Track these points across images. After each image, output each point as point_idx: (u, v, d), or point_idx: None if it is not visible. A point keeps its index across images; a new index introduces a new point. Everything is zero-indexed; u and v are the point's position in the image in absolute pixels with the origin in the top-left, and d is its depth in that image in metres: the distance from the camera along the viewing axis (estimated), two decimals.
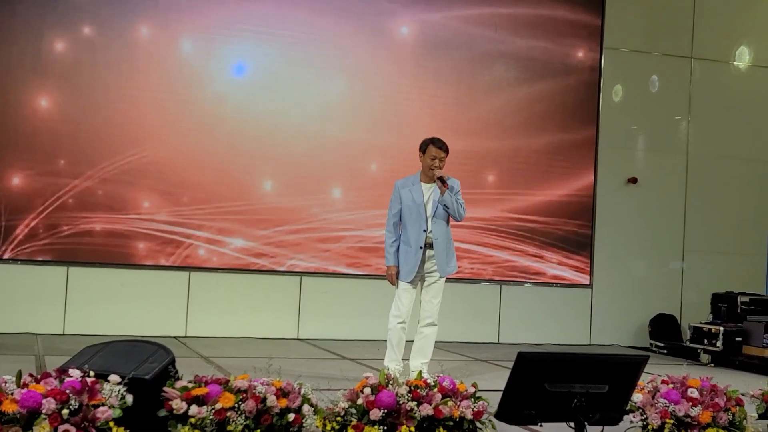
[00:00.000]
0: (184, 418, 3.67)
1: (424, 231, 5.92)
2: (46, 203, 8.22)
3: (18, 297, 8.15)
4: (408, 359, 6.06)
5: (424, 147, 5.98)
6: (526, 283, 9.78)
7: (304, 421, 3.84)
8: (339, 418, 3.94)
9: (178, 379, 3.86)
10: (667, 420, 4.27)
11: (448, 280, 6.09)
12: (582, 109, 10.02)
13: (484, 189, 9.51)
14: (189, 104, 8.70)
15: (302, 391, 3.91)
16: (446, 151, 5.92)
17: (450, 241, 6.05)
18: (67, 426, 3.40)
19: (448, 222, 6.02)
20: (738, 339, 8.69)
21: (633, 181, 10.22)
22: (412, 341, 6.06)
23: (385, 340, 6.04)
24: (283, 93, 9.00)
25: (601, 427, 3.61)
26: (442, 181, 5.81)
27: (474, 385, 4.21)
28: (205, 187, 8.71)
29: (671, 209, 10.37)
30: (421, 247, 5.91)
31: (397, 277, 6.00)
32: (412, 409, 3.94)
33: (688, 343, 9.27)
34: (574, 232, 9.93)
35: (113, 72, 8.46)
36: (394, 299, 6.01)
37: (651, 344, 9.79)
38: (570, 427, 3.58)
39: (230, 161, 8.81)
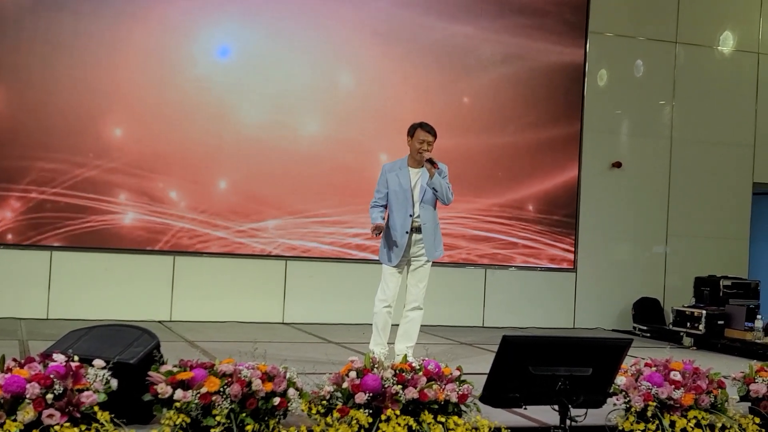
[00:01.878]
0: (169, 402, 3.66)
1: (411, 216, 5.92)
2: (29, 188, 8.16)
3: (1, 281, 8.09)
4: (393, 343, 6.07)
5: (411, 131, 5.97)
6: (511, 267, 9.81)
7: (289, 404, 3.85)
8: (324, 402, 3.95)
9: (163, 363, 3.86)
10: (650, 402, 4.30)
11: (433, 264, 6.10)
12: (567, 93, 10.03)
13: (467, 172, 9.49)
14: (171, 89, 8.64)
15: (287, 375, 3.91)
16: (434, 135, 5.92)
17: (437, 225, 6.06)
18: (51, 411, 3.39)
19: (435, 206, 6.02)
20: (720, 322, 8.76)
21: (617, 165, 10.25)
22: (398, 325, 6.08)
23: (371, 324, 6.05)
24: (270, 76, 8.95)
25: (584, 410, 3.63)
26: (431, 162, 5.80)
27: (459, 368, 4.23)
28: (189, 172, 8.67)
29: (655, 194, 10.42)
30: (407, 232, 5.91)
31: (383, 262, 6.01)
32: (397, 393, 3.95)
33: (670, 326, 9.34)
34: (558, 216, 9.96)
35: (90, 54, 8.38)
36: (380, 283, 6.02)
37: (634, 328, 9.85)
38: (554, 409, 3.60)
39: (214, 146, 8.76)
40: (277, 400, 3.79)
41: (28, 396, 3.38)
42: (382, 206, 6.04)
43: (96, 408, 3.48)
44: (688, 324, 8.98)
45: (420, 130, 5.91)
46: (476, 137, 9.61)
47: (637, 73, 10.40)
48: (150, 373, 3.73)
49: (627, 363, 4.31)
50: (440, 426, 3.95)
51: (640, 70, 10.40)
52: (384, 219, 6.02)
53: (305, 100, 9.06)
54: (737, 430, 4.47)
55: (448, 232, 9.15)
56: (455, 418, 4.02)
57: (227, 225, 8.77)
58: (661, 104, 10.49)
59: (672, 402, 4.36)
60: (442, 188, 5.87)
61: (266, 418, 3.77)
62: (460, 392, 4.06)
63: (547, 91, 9.94)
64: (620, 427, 4.30)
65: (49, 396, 3.40)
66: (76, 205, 8.29)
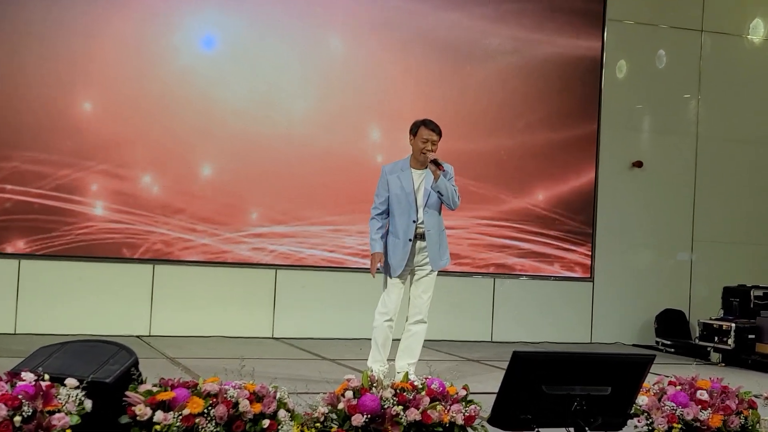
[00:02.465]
0: (148, 425, 3.66)
1: (414, 222, 5.91)
2: None
3: None
4: (393, 360, 6.07)
5: (414, 129, 5.95)
6: (522, 276, 9.81)
7: (279, 427, 3.84)
8: (318, 425, 3.94)
9: (142, 382, 3.85)
10: (675, 424, 4.30)
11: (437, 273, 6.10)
12: (582, 87, 10.04)
13: (474, 172, 9.50)
14: (151, 82, 8.65)
15: (278, 395, 3.90)
16: (439, 133, 5.91)
17: (443, 232, 6.06)
18: None
19: (440, 211, 6.02)
20: (751, 336, 8.74)
21: (638, 165, 10.26)
22: (398, 340, 6.08)
23: (369, 339, 6.05)
24: (259, 69, 8.96)
25: None
26: (436, 164, 5.79)
27: (465, 387, 4.22)
28: (171, 173, 8.68)
29: (679, 196, 10.43)
30: (410, 239, 5.90)
31: (384, 272, 5.99)
32: (397, 414, 3.94)
33: (697, 340, 9.33)
34: (573, 221, 9.97)
35: (62, 44, 8.39)
36: (381, 295, 6.01)
37: (657, 342, 9.85)
38: None
39: (198, 144, 8.77)
40: (266, 423, 3.79)
41: None
42: (383, 219, 5.99)
43: (68, 431, 3.48)
44: (716, 338, 8.97)
45: (423, 128, 5.90)
46: (483, 135, 9.62)
47: (659, 65, 10.41)
48: (127, 393, 3.73)
49: (649, 381, 4.31)
50: None
51: (663, 61, 10.42)
52: (383, 243, 5.97)
53: (296, 95, 9.07)
54: None
55: (454, 239, 9.15)
56: None
57: (212, 230, 8.77)
58: (686, 98, 10.50)
59: (698, 424, 4.36)
60: (447, 192, 5.86)
61: None
62: (467, 414, 4.06)
63: (561, 84, 9.95)
64: None
65: (17, 419, 3.40)
66: (46, 208, 8.29)
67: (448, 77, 9.53)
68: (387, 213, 6.00)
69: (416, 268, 6.00)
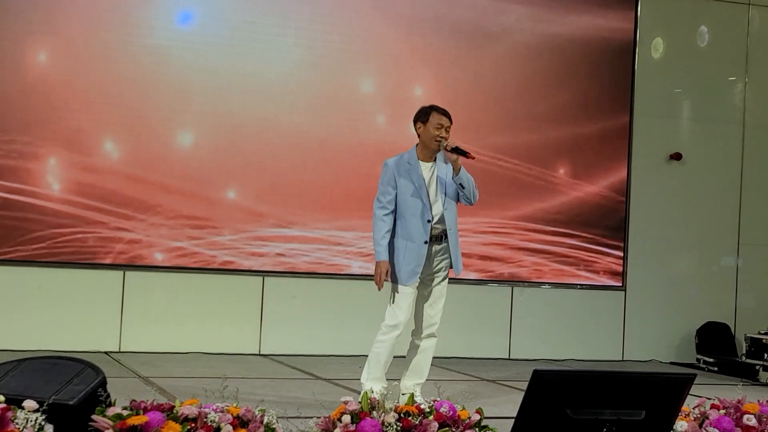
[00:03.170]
0: None
1: (429, 221, 5.90)
2: None
3: None
4: (392, 380, 6.04)
5: (424, 116, 5.92)
6: (544, 284, 9.82)
7: None
8: None
9: (111, 404, 3.86)
10: None
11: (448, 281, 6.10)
12: (612, 70, 10.04)
13: (492, 167, 9.52)
14: (121, 63, 8.65)
15: (265, 420, 3.91)
16: (450, 119, 5.93)
17: (457, 231, 6.06)
18: None
19: (456, 207, 6.02)
20: None
21: (676, 157, 10.26)
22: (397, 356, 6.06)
23: (366, 356, 6.02)
24: (240, 47, 8.96)
25: None
26: (459, 152, 5.77)
27: (479, 411, 4.23)
28: (143, 168, 8.68)
29: (723, 192, 10.43)
30: (425, 242, 5.88)
31: (393, 280, 5.97)
32: None
33: (743, 358, 9.33)
34: (602, 221, 9.97)
35: (21, 20, 8.38)
36: (389, 306, 5.95)
37: (698, 360, 9.86)
38: None
39: (174, 135, 8.78)
40: None
41: None
42: (392, 220, 5.94)
43: None
44: (766, 355, 8.97)
45: (435, 113, 5.89)
46: (500, 126, 9.62)
47: (701, 43, 10.41)
48: (94, 416, 3.73)
49: (689, 404, 4.31)
50: None
51: (705, 39, 10.42)
52: (390, 251, 5.94)
53: (287, 80, 9.07)
54: None
55: (465, 244, 9.16)
56: None
57: (191, 233, 8.78)
58: (731, 81, 10.50)
59: None
60: (470, 184, 5.88)
61: None
62: None
63: (589, 67, 9.95)
64: None
65: None
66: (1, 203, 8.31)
67: (462, 58, 9.53)
68: (394, 213, 6.00)
69: (431, 274, 5.99)
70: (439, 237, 5.93)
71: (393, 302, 5.95)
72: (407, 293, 5.93)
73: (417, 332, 6.04)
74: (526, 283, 9.76)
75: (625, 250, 10.07)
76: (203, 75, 8.87)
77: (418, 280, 5.95)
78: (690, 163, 10.32)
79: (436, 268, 5.99)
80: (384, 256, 5.89)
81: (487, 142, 9.47)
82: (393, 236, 5.96)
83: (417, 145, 5.99)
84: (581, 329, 9.91)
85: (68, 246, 8.48)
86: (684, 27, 10.37)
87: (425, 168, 5.95)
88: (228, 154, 8.90)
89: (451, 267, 6.04)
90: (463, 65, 9.55)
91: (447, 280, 6.05)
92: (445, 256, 5.98)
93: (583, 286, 9.95)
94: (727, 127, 10.47)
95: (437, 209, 5.91)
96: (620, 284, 10.08)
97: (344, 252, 9.14)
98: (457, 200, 6.01)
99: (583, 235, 9.90)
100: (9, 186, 8.31)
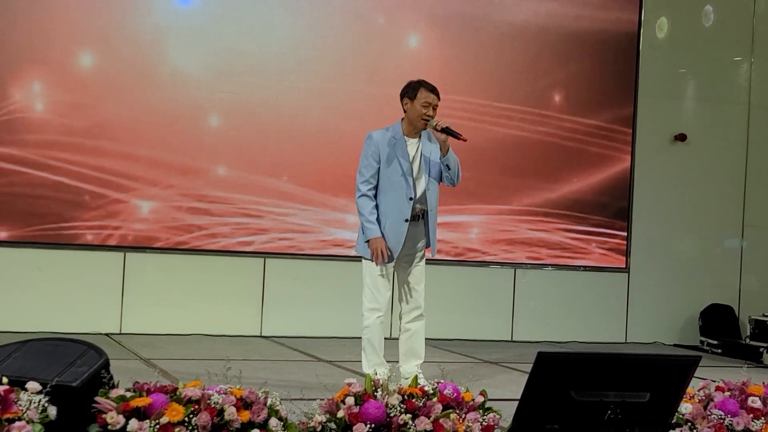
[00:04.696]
0: None
1: (411, 199, 5.85)
2: None
3: None
4: (390, 361, 6.05)
5: (411, 92, 5.85)
6: (547, 266, 9.83)
7: None
8: None
9: (114, 386, 3.87)
10: None
11: (446, 262, 6.10)
12: (616, 50, 10.01)
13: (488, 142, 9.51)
14: (117, 42, 8.63)
15: (268, 402, 3.92)
16: (438, 96, 5.87)
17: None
18: None
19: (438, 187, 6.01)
20: None
21: (681, 138, 10.25)
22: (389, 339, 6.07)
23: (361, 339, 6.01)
24: (242, 27, 8.94)
25: None
26: (449, 132, 5.73)
27: (483, 393, 4.24)
28: (142, 147, 8.66)
29: (728, 173, 10.42)
30: (406, 220, 5.84)
31: (368, 258, 5.90)
32: (406, 423, 3.96)
33: (747, 340, 9.35)
34: (606, 203, 9.96)
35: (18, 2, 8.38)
36: (365, 288, 5.91)
37: (702, 342, 9.87)
38: None
39: (173, 114, 8.76)
40: None
41: None
42: (373, 194, 5.86)
43: None
44: None
45: (423, 89, 5.81)
46: (509, 96, 9.60)
47: (706, 23, 10.38)
48: (97, 398, 3.75)
49: (693, 386, 4.32)
50: None
51: (710, 19, 10.38)
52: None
53: (288, 60, 9.04)
54: None
55: (468, 225, 9.17)
56: None
57: (192, 214, 8.78)
58: (737, 61, 10.47)
59: None
60: (456, 165, 5.86)
61: None
62: (485, 423, 4.07)
63: (593, 48, 9.92)
64: None
65: None
66: None
67: (464, 40, 9.50)
68: (376, 188, 5.90)
69: (410, 254, 5.96)
70: (418, 216, 5.90)
71: (370, 283, 5.89)
72: (384, 274, 5.88)
73: (404, 316, 6.02)
74: (528, 265, 9.76)
75: (628, 231, 10.07)
76: (203, 55, 8.83)
77: (394, 260, 5.93)
78: (695, 144, 10.31)
79: (414, 248, 5.96)
80: (377, 232, 5.80)
81: (487, 127, 9.46)
82: None
83: (402, 119, 5.92)
84: (584, 311, 9.92)
85: (68, 228, 8.48)
86: (689, 7, 10.33)
87: (411, 144, 5.88)
88: (230, 133, 8.89)
89: (427, 246, 6.02)
90: (465, 47, 9.52)
91: (424, 261, 6.03)
92: (423, 236, 5.97)
93: (586, 268, 9.95)
94: (733, 108, 10.45)
95: (420, 187, 5.87)
96: (624, 266, 10.09)
97: (345, 235, 9.14)
98: (440, 180, 5.98)
99: (587, 217, 9.89)
100: (6, 169, 8.31)
